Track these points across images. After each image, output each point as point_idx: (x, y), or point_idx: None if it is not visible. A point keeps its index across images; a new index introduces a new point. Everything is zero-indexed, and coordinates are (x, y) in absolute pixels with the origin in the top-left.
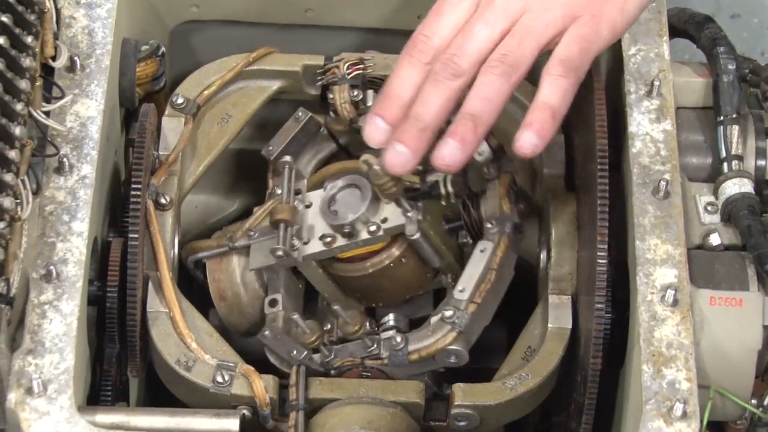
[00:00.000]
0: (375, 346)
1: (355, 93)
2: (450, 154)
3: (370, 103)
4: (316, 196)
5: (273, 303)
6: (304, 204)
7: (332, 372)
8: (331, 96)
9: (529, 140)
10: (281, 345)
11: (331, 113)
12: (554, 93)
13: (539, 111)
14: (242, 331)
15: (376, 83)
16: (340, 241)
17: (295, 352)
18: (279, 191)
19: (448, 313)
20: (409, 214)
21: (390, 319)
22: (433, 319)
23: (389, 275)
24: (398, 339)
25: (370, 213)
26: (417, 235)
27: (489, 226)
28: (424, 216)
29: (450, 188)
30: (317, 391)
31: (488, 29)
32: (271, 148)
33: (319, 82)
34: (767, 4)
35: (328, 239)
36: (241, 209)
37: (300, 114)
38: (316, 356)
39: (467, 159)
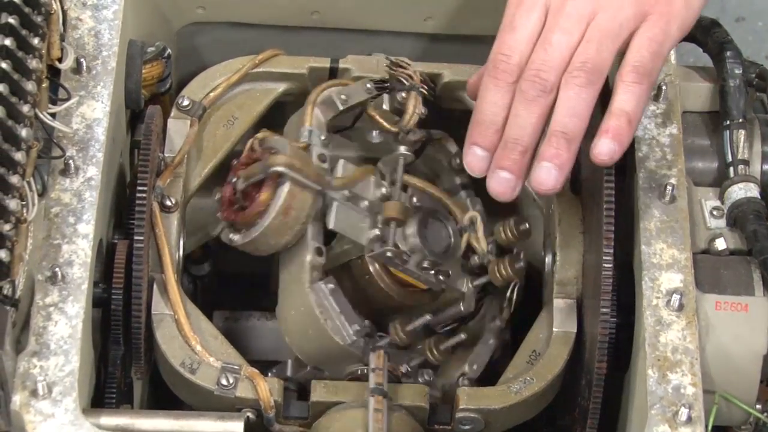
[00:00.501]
0: (410, 368)
1: (424, 111)
2: (548, 176)
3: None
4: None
5: (320, 252)
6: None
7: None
8: (403, 95)
9: (607, 146)
10: (344, 308)
11: (387, 108)
12: (629, 100)
13: (615, 118)
14: (264, 247)
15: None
16: (412, 266)
17: (357, 327)
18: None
19: (462, 382)
20: (471, 291)
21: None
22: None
23: (402, 303)
24: (426, 377)
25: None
26: (471, 308)
27: (497, 323)
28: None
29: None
30: (321, 394)
31: (566, 37)
32: (344, 97)
33: (387, 68)
34: None
35: (404, 256)
36: None
37: (369, 86)
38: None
39: (566, 178)
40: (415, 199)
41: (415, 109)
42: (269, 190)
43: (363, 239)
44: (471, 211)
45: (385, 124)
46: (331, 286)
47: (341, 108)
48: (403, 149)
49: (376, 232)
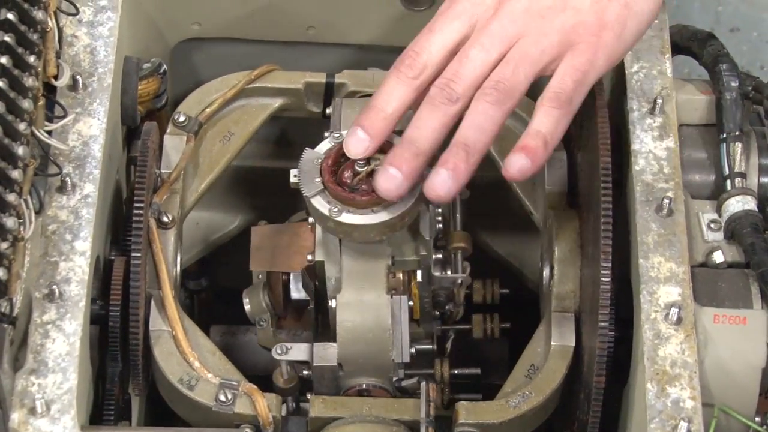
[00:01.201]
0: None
1: None
2: (442, 183)
3: None
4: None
5: (393, 262)
6: None
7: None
8: None
9: (518, 162)
10: (410, 328)
11: None
12: (547, 122)
13: (531, 137)
14: (357, 236)
15: None
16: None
17: (413, 351)
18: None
19: None
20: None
21: None
22: None
23: None
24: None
25: None
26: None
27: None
28: None
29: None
30: (320, 409)
31: (484, 54)
32: None
33: None
34: (766, 17)
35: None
36: (242, 225)
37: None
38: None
39: (459, 189)
40: None
41: None
42: None
43: (431, 257)
44: (463, 261)
45: None
46: (410, 303)
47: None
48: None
49: (440, 256)
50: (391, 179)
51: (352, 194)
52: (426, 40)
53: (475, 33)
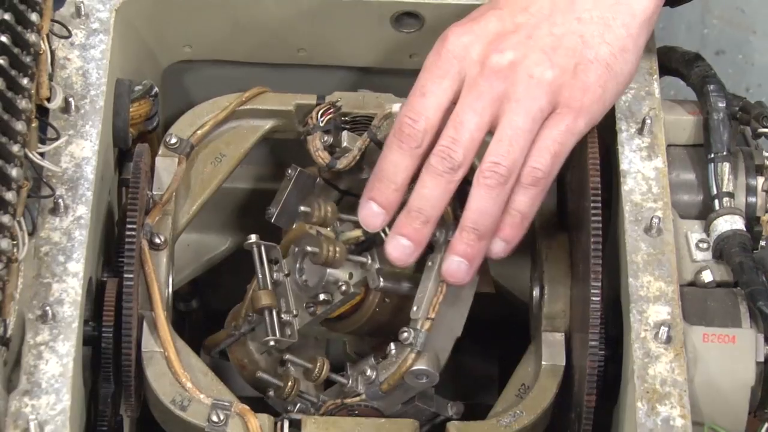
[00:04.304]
0: (351, 383)
1: (326, 139)
2: (459, 270)
3: (345, 144)
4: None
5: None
6: (284, 273)
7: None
8: (307, 147)
9: (497, 247)
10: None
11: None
12: (525, 202)
13: (510, 217)
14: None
15: (357, 123)
16: (321, 308)
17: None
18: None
19: (404, 335)
20: (366, 267)
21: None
22: (394, 345)
23: (383, 315)
24: (368, 372)
25: (336, 274)
26: (381, 284)
27: (435, 236)
28: (380, 260)
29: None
30: (312, 429)
31: (477, 117)
32: (270, 209)
33: (302, 137)
34: (751, 40)
35: (311, 308)
36: (233, 247)
37: (290, 171)
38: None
39: (475, 271)
40: (297, 250)
41: (314, 148)
42: None
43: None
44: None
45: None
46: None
47: (272, 219)
48: (253, 237)
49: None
50: (402, 248)
51: None
52: (420, 104)
53: (464, 92)
